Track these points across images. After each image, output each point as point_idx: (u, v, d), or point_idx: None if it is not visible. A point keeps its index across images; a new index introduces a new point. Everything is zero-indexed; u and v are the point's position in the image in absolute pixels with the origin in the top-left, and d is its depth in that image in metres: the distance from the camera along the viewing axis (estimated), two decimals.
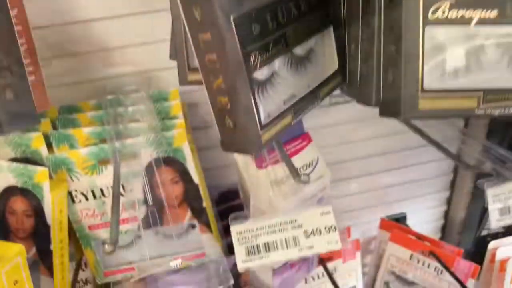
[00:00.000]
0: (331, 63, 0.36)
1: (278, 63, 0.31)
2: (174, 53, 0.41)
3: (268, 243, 0.29)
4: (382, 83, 0.27)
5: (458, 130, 0.37)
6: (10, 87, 0.33)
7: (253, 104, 0.27)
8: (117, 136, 0.40)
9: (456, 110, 0.25)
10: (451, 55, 0.25)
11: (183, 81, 0.40)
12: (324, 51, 0.35)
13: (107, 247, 0.29)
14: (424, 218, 0.77)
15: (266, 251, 0.28)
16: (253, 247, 0.29)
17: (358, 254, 0.63)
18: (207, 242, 0.42)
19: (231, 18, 0.25)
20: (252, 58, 0.27)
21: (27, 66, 0.36)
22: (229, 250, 0.46)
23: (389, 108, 0.26)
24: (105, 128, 0.41)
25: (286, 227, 0.28)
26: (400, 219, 0.74)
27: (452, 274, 0.60)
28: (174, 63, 0.42)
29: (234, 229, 0.30)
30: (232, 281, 0.33)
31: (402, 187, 0.73)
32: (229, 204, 0.58)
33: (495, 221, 0.34)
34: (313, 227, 0.28)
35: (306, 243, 0.28)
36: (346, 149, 0.66)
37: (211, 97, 0.28)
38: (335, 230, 0.28)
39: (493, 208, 0.33)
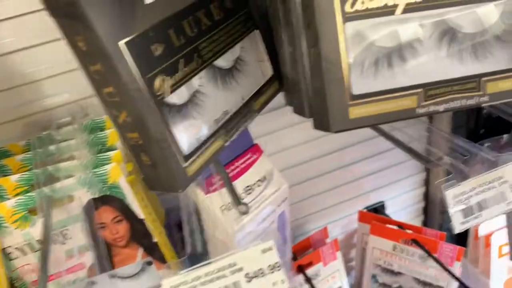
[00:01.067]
0: (265, 69, 0.32)
1: (197, 81, 0.27)
2: None
3: None
4: (310, 92, 0.24)
5: (424, 126, 0.35)
6: None
7: (168, 136, 0.24)
8: (48, 180, 0.37)
9: (394, 113, 0.22)
10: (379, 51, 0.22)
11: None
12: (254, 57, 0.32)
13: None
14: (405, 203, 0.75)
15: None
16: None
17: (339, 254, 0.60)
18: (166, 277, 0.39)
19: (121, 44, 0.21)
20: (157, 83, 0.23)
21: None
22: None
23: (320, 121, 0.23)
24: (34, 172, 0.37)
25: (225, 273, 0.25)
26: (378, 209, 0.71)
27: (436, 260, 0.58)
28: None
29: None
30: None
31: (378, 175, 0.70)
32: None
33: (458, 225, 0.31)
34: (255, 268, 0.25)
35: None
36: (314, 145, 0.63)
37: (120, 134, 0.24)
38: (279, 268, 0.24)
39: (455, 210, 0.30)
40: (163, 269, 0.39)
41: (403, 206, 0.74)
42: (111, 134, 0.41)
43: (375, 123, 0.22)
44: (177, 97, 0.26)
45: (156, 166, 0.24)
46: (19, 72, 0.44)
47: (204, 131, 0.28)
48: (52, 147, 0.40)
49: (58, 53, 0.44)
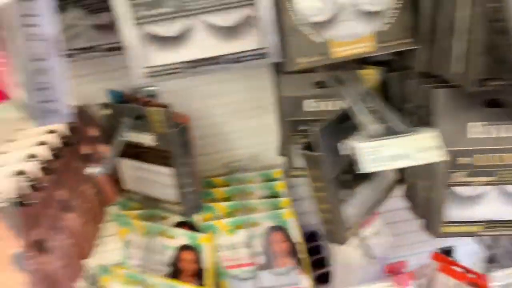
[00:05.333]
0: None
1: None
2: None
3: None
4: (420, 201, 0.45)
5: None
6: None
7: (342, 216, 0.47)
8: (245, 209, 0.62)
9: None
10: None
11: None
12: None
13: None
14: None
15: None
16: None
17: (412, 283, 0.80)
18: (302, 281, 0.63)
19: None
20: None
21: None
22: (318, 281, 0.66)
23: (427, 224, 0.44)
24: (236, 202, 0.63)
25: None
26: (447, 251, 0.89)
27: None
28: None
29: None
30: None
31: None
32: (314, 244, 0.78)
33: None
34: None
35: None
36: None
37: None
38: None
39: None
40: (303, 275, 0.63)
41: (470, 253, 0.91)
42: (279, 184, 0.65)
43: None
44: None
45: (332, 232, 0.48)
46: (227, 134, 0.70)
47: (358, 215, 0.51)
48: (242, 186, 0.66)
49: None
